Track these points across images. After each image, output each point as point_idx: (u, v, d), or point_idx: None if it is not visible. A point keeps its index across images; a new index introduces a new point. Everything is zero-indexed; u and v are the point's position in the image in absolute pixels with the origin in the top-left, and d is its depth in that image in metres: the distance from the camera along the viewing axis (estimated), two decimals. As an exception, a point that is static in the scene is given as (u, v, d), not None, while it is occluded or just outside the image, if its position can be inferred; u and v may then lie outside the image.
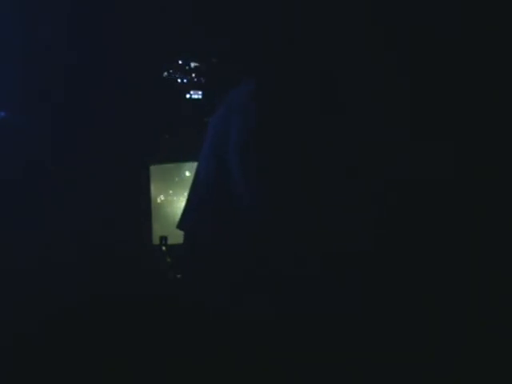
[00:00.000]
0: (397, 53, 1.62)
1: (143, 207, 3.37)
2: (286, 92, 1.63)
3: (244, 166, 1.61)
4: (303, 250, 1.57)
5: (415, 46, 1.62)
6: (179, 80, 3.50)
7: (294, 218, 1.58)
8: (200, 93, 3.51)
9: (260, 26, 1.78)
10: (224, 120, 1.70)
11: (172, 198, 3.39)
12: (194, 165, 1.83)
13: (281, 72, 1.66)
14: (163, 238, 3.11)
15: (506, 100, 1.60)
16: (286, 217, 1.58)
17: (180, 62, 3.52)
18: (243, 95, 1.68)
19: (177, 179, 3.38)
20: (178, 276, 2.74)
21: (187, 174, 3.22)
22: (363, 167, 1.57)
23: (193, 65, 3.53)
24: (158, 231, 3.32)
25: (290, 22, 1.69)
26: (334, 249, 1.56)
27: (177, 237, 1.83)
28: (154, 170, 3.43)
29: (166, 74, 3.48)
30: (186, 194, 1.83)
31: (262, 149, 1.61)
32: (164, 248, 3.10)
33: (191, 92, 3.52)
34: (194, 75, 3.53)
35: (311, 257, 1.56)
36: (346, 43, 1.63)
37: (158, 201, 3.42)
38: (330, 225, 1.57)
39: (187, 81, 3.52)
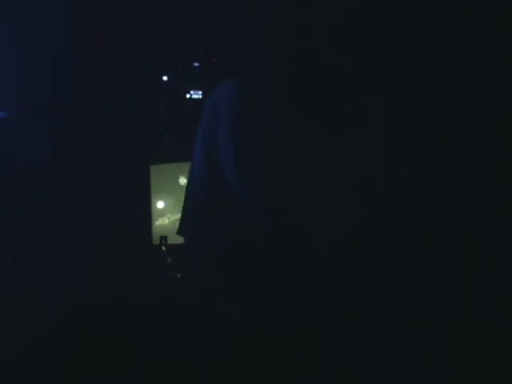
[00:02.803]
0: (392, 55, 1.62)
1: (143, 207, 3.37)
2: (273, 93, 1.63)
3: (237, 168, 1.61)
4: (301, 249, 1.57)
5: (410, 49, 1.63)
6: (179, 80, 3.50)
7: (288, 218, 1.58)
8: (200, 93, 3.51)
9: (260, 27, 1.78)
10: (211, 120, 1.69)
11: (172, 198, 3.39)
12: (194, 165, 1.83)
13: (278, 74, 1.67)
14: (163, 238, 3.11)
15: (504, 99, 1.60)
16: (282, 217, 1.59)
17: (180, 63, 3.52)
18: (230, 95, 1.67)
19: (177, 179, 3.38)
20: (178, 276, 2.74)
21: (187, 174, 3.22)
22: (355, 169, 1.58)
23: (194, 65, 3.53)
24: (158, 231, 3.32)
25: (287, 25, 1.70)
26: (332, 248, 1.56)
27: (177, 237, 1.83)
28: (154, 169, 3.43)
29: (166, 76, 3.48)
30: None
31: (250, 149, 1.61)
32: (164, 248, 3.10)
33: (191, 92, 3.52)
34: (193, 75, 3.53)
35: (307, 257, 1.56)
36: (340, 47, 1.64)
37: (158, 200, 3.42)
38: (324, 225, 1.57)
39: (187, 81, 3.52)
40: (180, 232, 1.76)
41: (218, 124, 1.65)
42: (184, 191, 1.81)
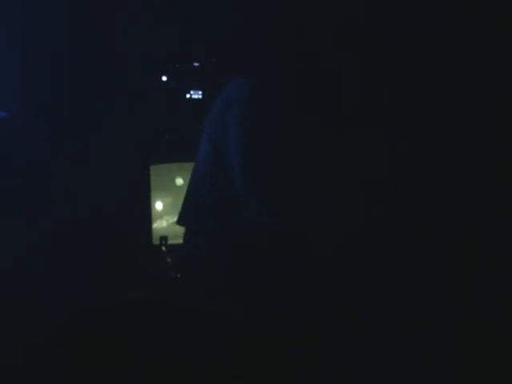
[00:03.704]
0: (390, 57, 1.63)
1: (143, 207, 3.37)
2: (273, 93, 1.64)
3: (243, 165, 1.62)
4: (301, 249, 1.57)
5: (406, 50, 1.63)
6: (179, 80, 3.50)
7: (288, 218, 1.58)
8: (200, 93, 3.51)
9: (260, 27, 1.78)
10: (222, 113, 1.70)
11: (172, 197, 3.39)
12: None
13: (278, 74, 1.67)
14: (163, 238, 3.11)
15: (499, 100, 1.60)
16: (281, 217, 1.59)
17: (180, 63, 3.52)
18: (240, 93, 1.68)
19: (177, 179, 3.38)
20: (178, 276, 2.74)
21: (187, 174, 3.23)
22: (355, 169, 1.58)
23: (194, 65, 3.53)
24: (158, 231, 3.32)
25: (287, 25, 1.70)
26: (332, 248, 1.56)
27: (177, 237, 1.83)
28: (154, 169, 3.43)
29: (165, 76, 3.48)
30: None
31: (251, 148, 1.62)
32: (164, 248, 3.10)
33: (191, 92, 3.52)
34: (194, 75, 3.53)
35: (307, 257, 1.56)
36: (340, 47, 1.64)
37: (158, 200, 3.42)
38: (324, 225, 1.57)
39: (187, 81, 3.52)
40: (180, 222, 1.77)
41: (229, 116, 1.66)
42: (182, 191, 1.81)
